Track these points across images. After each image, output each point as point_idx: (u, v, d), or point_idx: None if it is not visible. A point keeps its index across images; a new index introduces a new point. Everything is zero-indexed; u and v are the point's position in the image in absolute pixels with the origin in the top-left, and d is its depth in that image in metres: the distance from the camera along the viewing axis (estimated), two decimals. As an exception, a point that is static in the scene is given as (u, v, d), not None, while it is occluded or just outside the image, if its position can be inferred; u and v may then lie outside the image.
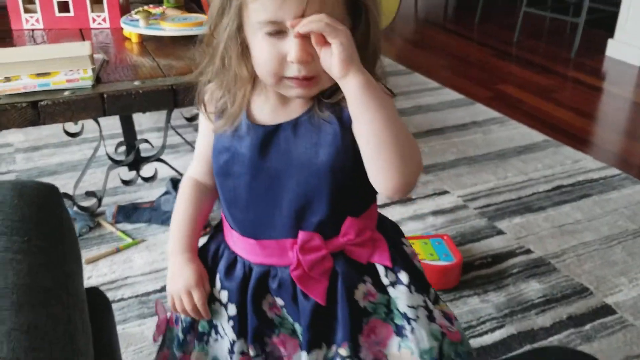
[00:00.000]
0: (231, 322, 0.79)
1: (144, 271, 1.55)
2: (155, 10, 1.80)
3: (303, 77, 0.68)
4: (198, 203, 0.84)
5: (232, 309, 0.79)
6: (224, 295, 0.80)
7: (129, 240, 1.66)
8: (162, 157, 1.81)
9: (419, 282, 0.80)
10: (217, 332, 0.82)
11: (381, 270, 0.78)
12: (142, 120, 2.00)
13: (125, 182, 1.81)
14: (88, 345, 0.78)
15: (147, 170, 1.86)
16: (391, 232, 0.83)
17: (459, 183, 2.05)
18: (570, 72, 3.29)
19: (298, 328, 0.79)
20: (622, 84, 3.12)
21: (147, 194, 1.89)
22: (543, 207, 1.91)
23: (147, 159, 1.79)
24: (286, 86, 0.70)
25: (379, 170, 0.67)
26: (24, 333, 0.68)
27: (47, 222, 0.87)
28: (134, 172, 1.81)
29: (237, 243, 0.79)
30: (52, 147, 2.24)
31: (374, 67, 0.72)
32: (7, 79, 1.39)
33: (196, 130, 2.48)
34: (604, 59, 3.48)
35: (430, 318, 0.79)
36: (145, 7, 1.81)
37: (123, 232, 1.69)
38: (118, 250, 1.61)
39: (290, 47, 0.66)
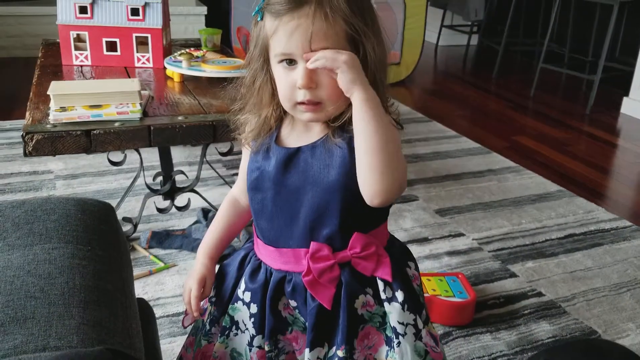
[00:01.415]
0: (252, 319, 0.91)
1: (175, 293, 1.64)
2: (197, 53, 1.95)
3: (308, 100, 0.82)
4: (230, 221, 0.99)
5: (254, 308, 0.90)
6: (247, 296, 0.91)
7: (161, 264, 1.76)
8: (196, 188, 1.92)
9: (413, 302, 0.90)
10: (237, 328, 0.93)
11: (381, 285, 0.88)
12: (175, 155, 2.12)
13: (160, 210, 1.92)
14: (140, 342, 0.87)
15: (180, 200, 1.97)
16: (398, 254, 0.93)
17: (474, 226, 2.13)
18: (585, 127, 3.38)
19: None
20: (637, 140, 3.21)
21: (179, 223, 1.99)
22: (555, 254, 1.98)
23: (182, 189, 1.90)
24: (299, 111, 0.84)
25: (364, 171, 0.79)
26: (90, 327, 0.77)
27: (106, 234, 0.98)
28: (168, 201, 1.93)
29: (262, 250, 0.91)
30: (90, 175, 2.36)
31: (378, 92, 0.83)
32: (63, 109, 1.52)
33: (226, 165, 2.59)
34: (619, 115, 3.57)
35: (417, 336, 0.89)
36: (188, 50, 1.96)
37: (156, 256, 1.79)
38: (151, 273, 1.71)
39: (298, 75, 0.81)
